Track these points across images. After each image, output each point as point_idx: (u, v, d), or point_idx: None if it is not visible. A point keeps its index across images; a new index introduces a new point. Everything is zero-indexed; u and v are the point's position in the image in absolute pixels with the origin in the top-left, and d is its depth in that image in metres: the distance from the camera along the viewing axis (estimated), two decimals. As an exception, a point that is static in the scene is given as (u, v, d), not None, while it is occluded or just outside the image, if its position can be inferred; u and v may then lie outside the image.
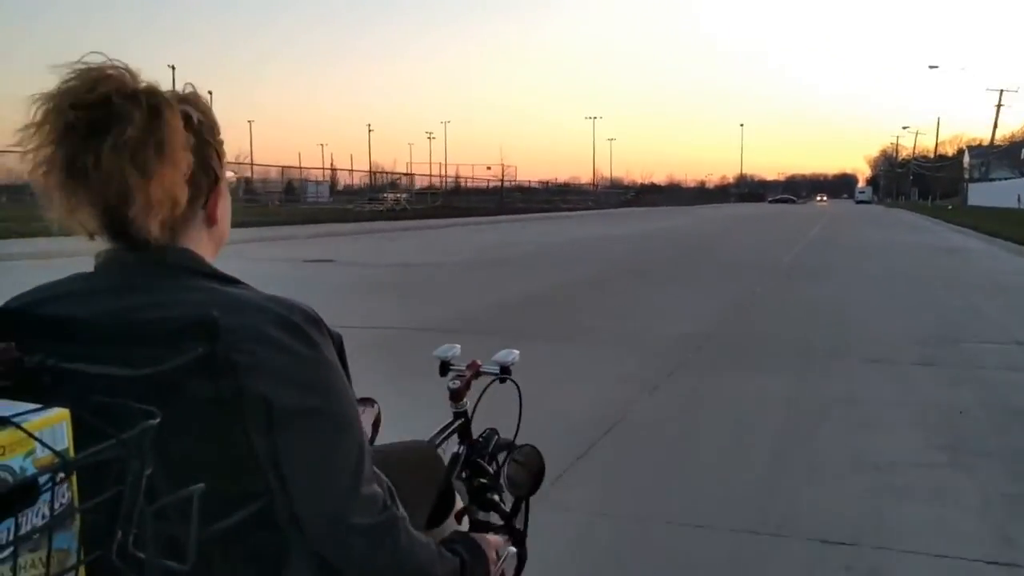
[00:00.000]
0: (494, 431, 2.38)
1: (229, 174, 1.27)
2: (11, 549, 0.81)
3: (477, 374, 2.24)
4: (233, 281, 1.18)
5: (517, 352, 2.31)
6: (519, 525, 2.08)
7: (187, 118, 1.12)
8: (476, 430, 2.25)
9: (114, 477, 0.94)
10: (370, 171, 67.00)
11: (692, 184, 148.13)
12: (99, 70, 1.05)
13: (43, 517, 0.85)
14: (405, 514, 1.21)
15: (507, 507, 2.32)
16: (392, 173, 65.08)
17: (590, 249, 18.67)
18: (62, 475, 0.85)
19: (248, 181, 48.33)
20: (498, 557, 1.45)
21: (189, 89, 1.19)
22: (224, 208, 1.24)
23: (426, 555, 1.23)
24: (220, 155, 1.20)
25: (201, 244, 1.20)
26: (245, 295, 1.14)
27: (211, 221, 1.22)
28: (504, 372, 2.25)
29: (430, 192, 60.60)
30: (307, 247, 18.37)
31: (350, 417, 1.15)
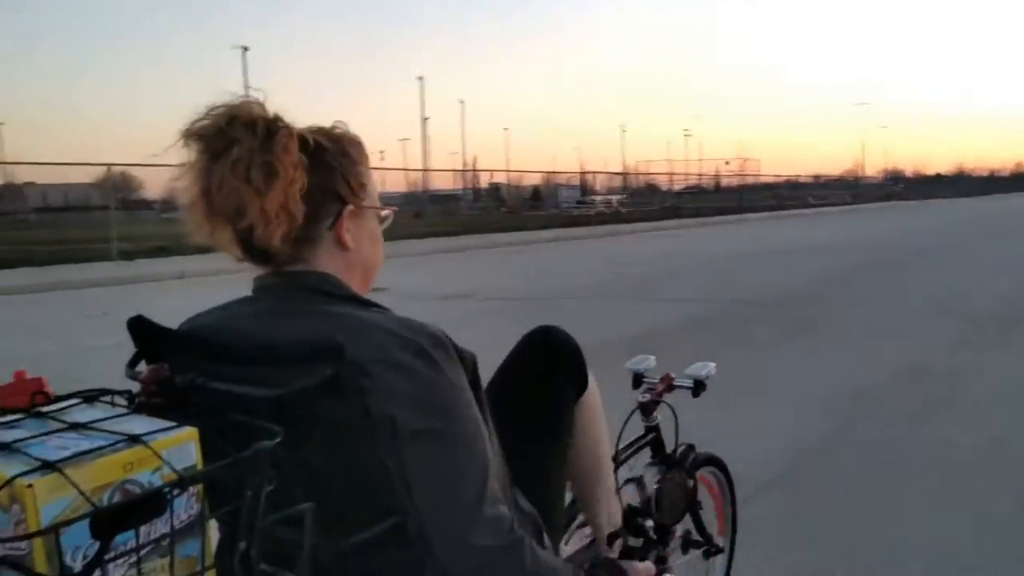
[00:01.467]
0: (691, 447, 2.30)
1: (385, 211, 1.35)
2: (138, 555, 0.90)
3: (670, 387, 2.17)
4: (370, 304, 1.23)
5: (713, 365, 2.22)
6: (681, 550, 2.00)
7: (305, 142, 1.21)
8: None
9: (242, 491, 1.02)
10: (623, 172, 65.91)
11: (983, 172, 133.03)
12: (224, 105, 1.17)
13: (171, 527, 0.93)
14: (529, 538, 1.20)
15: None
16: (647, 174, 63.00)
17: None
18: (178, 490, 0.93)
19: (497, 187, 48.37)
20: None
21: (337, 125, 1.28)
22: (360, 234, 1.30)
23: None
24: (352, 183, 1.28)
25: (337, 267, 1.27)
26: (376, 319, 1.18)
27: (341, 244, 1.27)
28: (698, 386, 2.16)
29: (665, 192, 57.44)
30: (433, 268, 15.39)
31: (471, 438, 1.16)
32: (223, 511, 0.99)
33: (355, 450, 1.14)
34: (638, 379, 2.22)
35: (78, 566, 0.86)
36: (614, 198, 44.11)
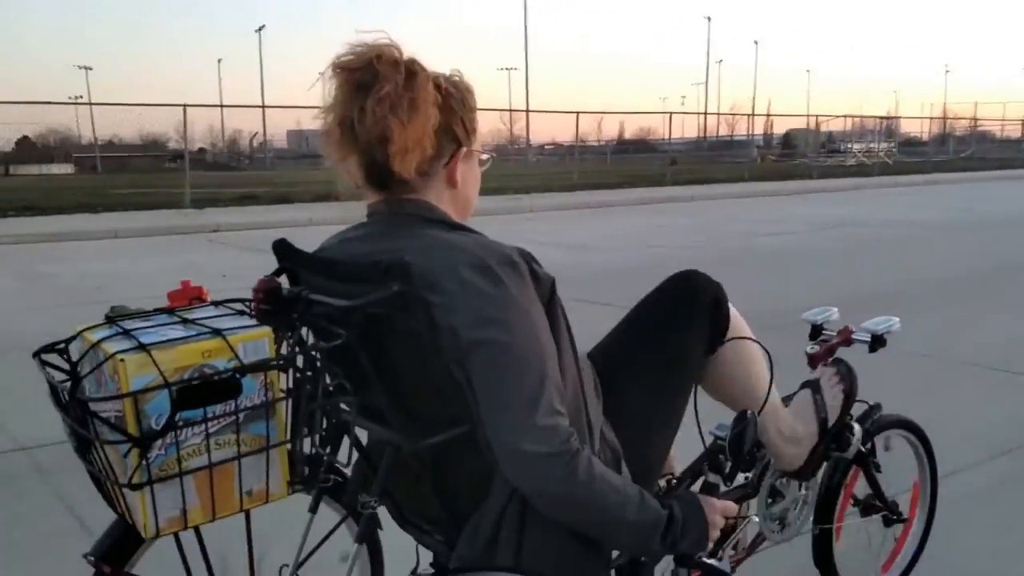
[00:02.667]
0: (876, 406, 2.17)
1: (484, 155, 1.46)
2: (206, 427, 1.11)
3: (848, 341, 2.06)
4: (461, 228, 1.35)
5: (897, 320, 2.06)
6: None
7: (437, 85, 1.34)
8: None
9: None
10: (944, 117, 57.25)
11: None
12: (367, 45, 1.31)
13: (235, 407, 1.13)
14: (589, 451, 1.25)
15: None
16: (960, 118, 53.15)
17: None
18: (242, 375, 1.12)
19: (787, 135, 43.01)
20: (727, 524, 1.39)
21: (454, 73, 1.41)
22: (467, 175, 1.41)
23: (614, 496, 1.26)
24: (467, 127, 1.39)
25: (442, 200, 1.39)
26: (457, 240, 1.29)
27: (451, 182, 1.38)
28: (876, 342, 2.03)
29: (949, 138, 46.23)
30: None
31: (528, 351, 1.22)
32: (281, 398, 1.17)
33: (427, 359, 1.27)
34: (816, 331, 2.12)
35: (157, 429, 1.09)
36: (881, 146, 34.94)
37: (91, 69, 78.08)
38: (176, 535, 1.22)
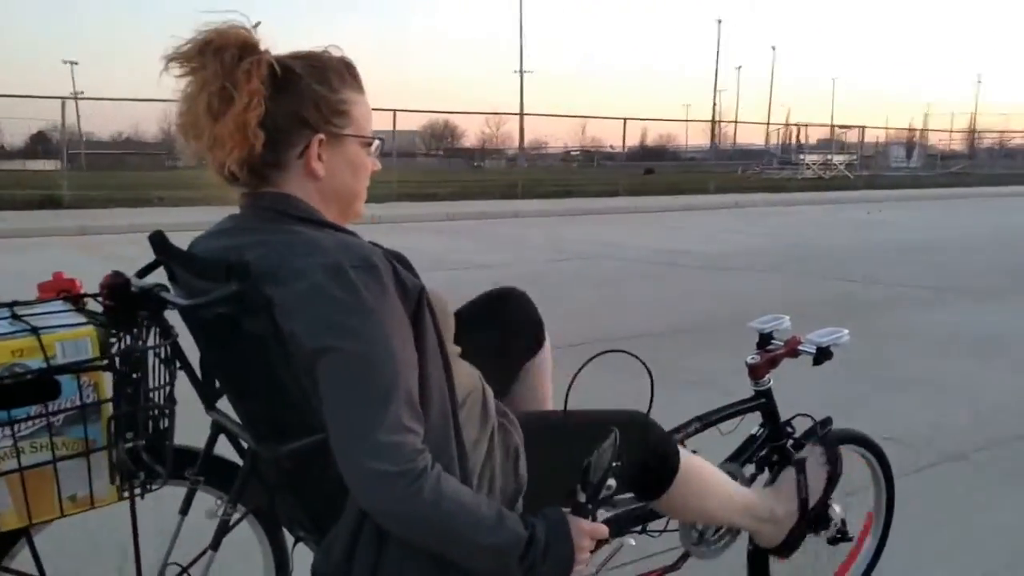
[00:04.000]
0: (826, 420, 2.06)
1: (368, 141, 1.33)
2: (13, 430, 1.06)
3: (794, 352, 1.95)
4: (327, 226, 1.27)
5: (846, 332, 1.95)
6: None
7: (283, 68, 1.24)
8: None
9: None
10: (969, 131, 54.12)
11: None
12: (210, 29, 1.22)
13: (46, 409, 1.08)
14: (440, 471, 1.18)
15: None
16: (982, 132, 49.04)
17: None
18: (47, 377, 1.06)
19: (799, 145, 38.95)
20: (597, 547, 1.30)
21: (324, 49, 1.31)
22: (336, 164, 1.29)
23: (465, 517, 1.18)
24: (327, 111, 1.27)
25: (307, 192, 1.29)
26: (316, 239, 1.21)
27: (309, 173, 1.27)
28: (822, 354, 1.91)
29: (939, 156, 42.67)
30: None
31: (377, 362, 1.14)
32: (104, 400, 1.11)
33: (275, 365, 1.20)
34: (765, 340, 2.02)
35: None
36: (838, 158, 31.39)
37: (76, 64, 78.60)
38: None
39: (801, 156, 32.81)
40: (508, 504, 1.37)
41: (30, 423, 1.08)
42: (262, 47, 1.25)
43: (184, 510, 1.43)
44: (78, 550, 1.29)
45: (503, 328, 1.68)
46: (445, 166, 44.09)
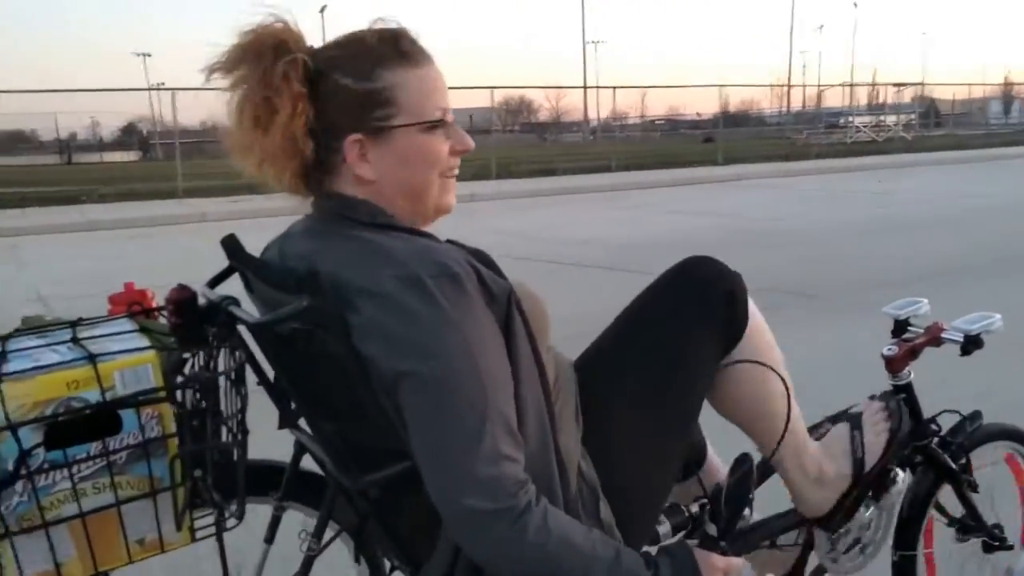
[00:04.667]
0: (975, 415, 1.82)
1: (443, 121, 1.13)
2: (70, 470, 0.95)
3: (936, 340, 1.72)
4: (401, 230, 1.10)
5: (999, 317, 1.70)
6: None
7: (309, 69, 1.08)
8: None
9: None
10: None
11: None
12: (250, 29, 1.07)
13: (104, 447, 0.96)
14: (546, 505, 1.02)
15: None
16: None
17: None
18: (104, 412, 0.95)
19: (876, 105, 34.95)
20: None
21: (374, 23, 1.13)
22: (388, 158, 1.11)
23: (576, 559, 1.02)
24: (360, 106, 1.09)
25: (368, 195, 1.12)
26: (388, 246, 1.05)
27: (360, 180, 1.11)
28: (971, 342, 1.68)
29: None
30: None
31: (466, 385, 0.99)
32: (168, 435, 0.99)
33: (355, 387, 1.06)
34: (900, 327, 1.79)
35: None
36: (891, 119, 28.63)
37: (150, 55, 79.82)
38: None
39: (850, 119, 29.90)
40: (608, 527, 1.20)
41: (90, 463, 0.96)
42: (303, 42, 1.09)
43: (269, 538, 1.32)
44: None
45: (697, 311, 1.34)
46: (518, 140, 43.58)
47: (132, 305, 1.24)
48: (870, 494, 1.60)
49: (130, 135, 42.33)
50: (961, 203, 10.44)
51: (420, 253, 1.03)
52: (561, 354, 1.32)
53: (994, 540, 1.83)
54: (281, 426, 1.11)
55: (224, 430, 1.10)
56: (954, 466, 1.75)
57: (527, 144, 38.19)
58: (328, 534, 1.33)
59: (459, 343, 1.00)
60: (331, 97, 1.08)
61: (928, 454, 1.75)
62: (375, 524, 1.26)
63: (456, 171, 1.18)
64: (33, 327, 1.12)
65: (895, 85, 33.39)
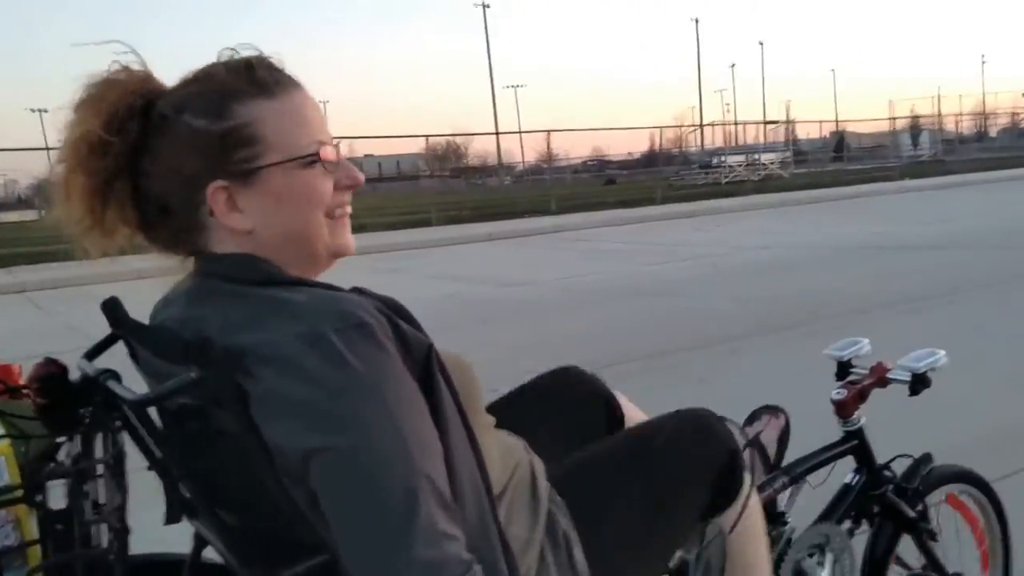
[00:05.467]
0: (926, 457, 1.75)
1: (319, 153, 0.99)
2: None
3: (883, 381, 1.64)
4: (297, 283, 0.96)
5: (944, 354, 1.64)
6: None
7: (150, 114, 0.96)
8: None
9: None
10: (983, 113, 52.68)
11: None
12: (90, 80, 0.96)
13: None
14: None
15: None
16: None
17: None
18: None
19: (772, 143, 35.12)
20: None
21: (224, 53, 1.00)
22: (263, 203, 0.97)
23: None
24: (217, 150, 0.95)
25: (250, 248, 0.98)
26: (286, 300, 0.91)
27: (234, 231, 0.97)
28: (919, 382, 1.61)
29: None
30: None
31: (390, 456, 0.85)
32: (29, 542, 0.81)
33: (256, 471, 0.90)
34: (844, 369, 1.72)
35: None
36: (768, 157, 28.66)
37: (46, 111, 77.81)
38: None
39: (722, 158, 29.35)
40: None
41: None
42: (151, 85, 0.98)
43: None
44: None
45: (566, 407, 1.41)
46: (446, 187, 43.81)
47: (-6, 384, 1.06)
48: None
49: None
50: (743, 255, 9.47)
51: (321, 304, 0.90)
52: (509, 434, 1.19)
53: None
54: (168, 521, 0.93)
55: (103, 529, 0.92)
56: (912, 514, 1.67)
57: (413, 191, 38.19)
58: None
59: (376, 407, 0.86)
60: (183, 143, 0.95)
61: (885, 504, 1.67)
62: None
63: (348, 208, 1.04)
64: None
65: (767, 123, 34.87)
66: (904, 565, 1.75)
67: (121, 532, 0.91)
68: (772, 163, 28.58)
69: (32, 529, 0.84)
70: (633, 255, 10.30)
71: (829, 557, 1.56)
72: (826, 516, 1.62)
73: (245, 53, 0.99)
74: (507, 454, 1.13)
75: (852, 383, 1.66)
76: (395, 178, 54.61)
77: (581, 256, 10.63)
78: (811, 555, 1.56)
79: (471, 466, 0.97)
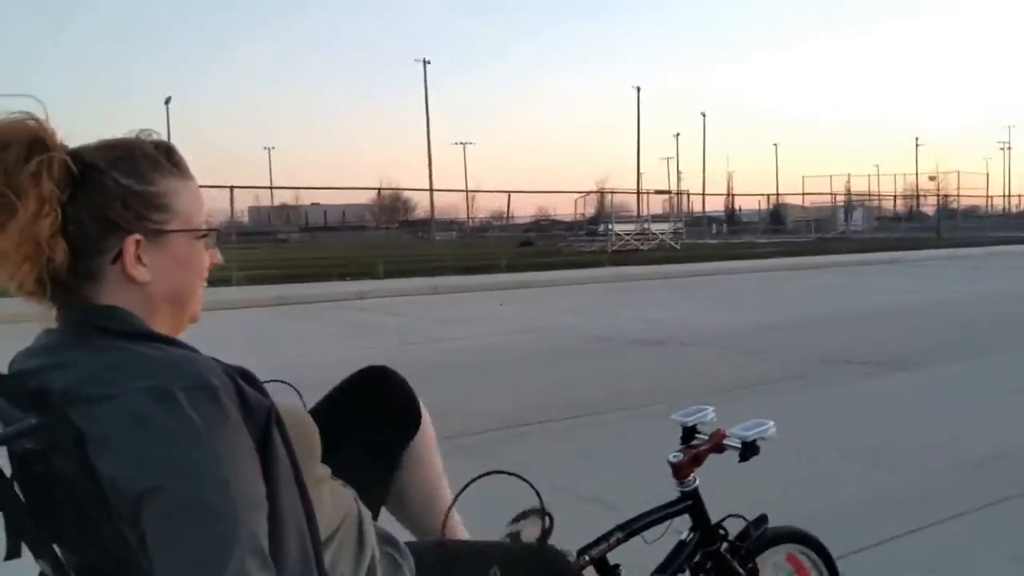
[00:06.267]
0: (762, 518, 1.90)
1: (202, 232, 1.16)
2: None
3: (719, 447, 1.79)
4: (157, 340, 1.07)
5: (772, 424, 1.80)
6: None
7: (70, 169, 1.06)
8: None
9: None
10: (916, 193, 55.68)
11: None
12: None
13: None
14: None
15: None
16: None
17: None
18: None
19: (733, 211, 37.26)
20: None
21: (137, 134, 1.14)
22: (162, 261, 1.12)
23: None
24: (139, 207, 1.10)
25: (131, 300, 1.11)
26: (145, 358, 1.02)
27: (132, 280, 1.10)
28: (748, 449, 1.76)
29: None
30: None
31: (213, 503, 0.95)
32: None
33: (88, 511, 1.00)
34: (688, 434, 1.87)
35: None
36: (658, 227, 28.81)
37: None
38: None
39: (609, 226, 28.26)
40: None
41: None
42: (58, 139, 1.07)
43: None
44: None
45: (373, 417, 1.55)
46: (392, 238, 43.99)
47: None
48: None
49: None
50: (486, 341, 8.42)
51: (175, 364, 1.01)
52: (343, 484, 1.31)
53: None
54: (8, 557, 1.02)
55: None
56: (742, 572, 1.81)
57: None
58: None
59: (208, 459, 0.97)
60: (106, 196, 1.07)
61: (717, 560, 1.81)
62: None
63: (205, 283, 1.20)
64: None
65: (656, 192, 34.63)
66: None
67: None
68: (664, 233, 28.36)
69: None
70: (383, 330, 9.50)
71: None
72: (661, 570, 1.76)
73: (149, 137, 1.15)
74: (339, 503, 1.24)
75: (691, 447, 1.81)
76: (340, 227, 54.33)
77: (344, 329, 9.58)
78: None
79: (298, 516, 1.08)
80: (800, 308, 11.01)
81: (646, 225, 29.19)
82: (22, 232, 1.02)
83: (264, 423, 1.06)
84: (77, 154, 1.08)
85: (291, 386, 1.55)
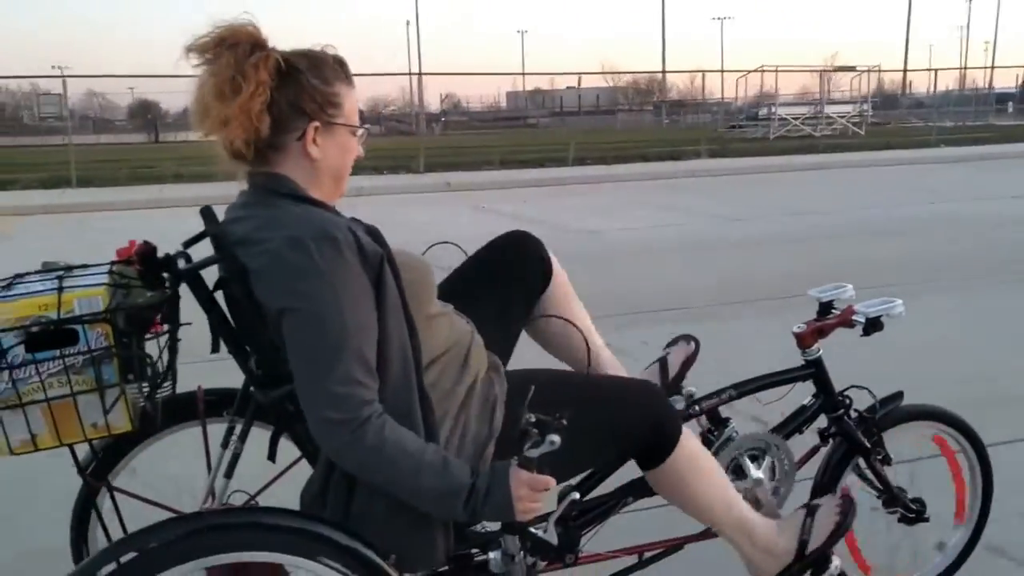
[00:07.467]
0: (896, 395, 1.95)
1: (357, 130, 1.50)
2: (37, 368, 1.33)
3: (849, 323, 1.87)
4: (309, 202, 1.43)
5: (900, 303, 1.83)
6: None
7: (285, 62, 1.41)
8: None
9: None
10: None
11: None
12: (222, 26, 1.40)
13: (60, 353, 1.34)
14: (385, 421, 1.32)
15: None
16: None
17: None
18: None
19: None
20: (536, 497, 1.37)
21: (322, 48, 1.48)
22: (328, 148, 1.45)
23: (407, 462, 1.31)
24: (322, 102, 1.43)
25: (303, 172, 1.45)
26: (291, 214, 1.38)
27: (306, 155, 1.43)
28: (871, 326, 1.82)
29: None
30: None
31: (329, 321, 1.29)
32: (104, 348, 1.36)
33: (258, 329, 1.40)
34: (824, 309, 1.93)
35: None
36: (836, 109, 24.30)
37: None
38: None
39: (773, 110, 24.50)
40: (480, 448, 1.48)
41: (54, 364, 1.34)
42: (269, 44, 1.43)
43: (225, 444, 1.69)
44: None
45: (511, 272, 1.80)
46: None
47: (129, 258, 1.62)
48: (810, 572, 1.79)
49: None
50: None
51: (311, 220, 1.36)
52: (460, 316, 1.61)
53: (910, 512, 1.95)
54: (213, 350, 1.47)
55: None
56: (864, 440, 1.89)
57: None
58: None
59: (326, 290, 1.31)
60: (301, 90, 1.43)
61: (840, 426, 1.90)
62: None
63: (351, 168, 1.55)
64: (46, 269, 1.52)
65: (836, 70, 27.66)
66: (872, 486, 1.97)
67: (173, 344, 1.46)
68: (842, 116, 24.08)
69: (111, 341, 1.37)
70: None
71: (767, 461, 1.84)
72: (778, 429, 1.89)
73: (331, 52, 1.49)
74: (453, 332, 1.55)
75: (817, 320, 1.90)
76: (593, 111, 53.71)
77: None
78: (752, 457, 1.84)
79: (403, 338, 1.40)
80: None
81: (818, 108, 24.99)
82: (242, 105, 1.38)
83: (378, 266, 1.38)
84: (285, 56, 1.43)
85: (456, 245, 1.90)
